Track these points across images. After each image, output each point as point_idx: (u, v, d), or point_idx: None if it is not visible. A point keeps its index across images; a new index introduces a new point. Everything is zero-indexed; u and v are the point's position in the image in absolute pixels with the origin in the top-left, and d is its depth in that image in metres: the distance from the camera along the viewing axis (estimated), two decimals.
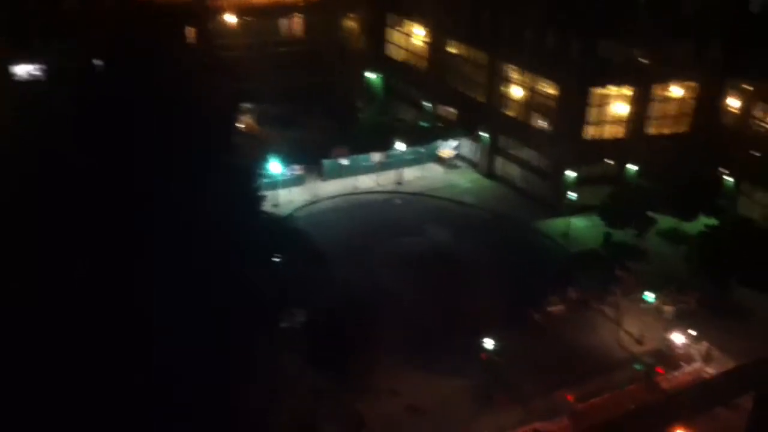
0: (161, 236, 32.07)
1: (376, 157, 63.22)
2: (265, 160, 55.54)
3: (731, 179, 57.89)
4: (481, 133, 65.19)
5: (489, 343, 40.51)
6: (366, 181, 62.41)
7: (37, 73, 48.63)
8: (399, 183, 62.84)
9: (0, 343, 28.01)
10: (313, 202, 59.12)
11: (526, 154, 62.31)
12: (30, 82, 51.33)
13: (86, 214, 31.12)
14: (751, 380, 38.79)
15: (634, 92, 58.85)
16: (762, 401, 34.93)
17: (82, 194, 31.58)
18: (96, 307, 29.59)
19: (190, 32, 65.40)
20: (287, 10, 71.47)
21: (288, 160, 58.20)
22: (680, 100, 61.07)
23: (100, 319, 29.32)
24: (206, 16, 66.74)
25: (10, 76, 56.93)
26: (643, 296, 47.28)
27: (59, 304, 28.91)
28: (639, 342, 45.05)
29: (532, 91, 61.03)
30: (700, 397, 39.96)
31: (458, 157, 67.24)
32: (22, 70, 55.75)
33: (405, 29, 73.35)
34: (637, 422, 37.67)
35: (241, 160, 43.71)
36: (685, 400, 39.15)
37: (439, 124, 68.94)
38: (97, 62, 43.90)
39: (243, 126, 65.98)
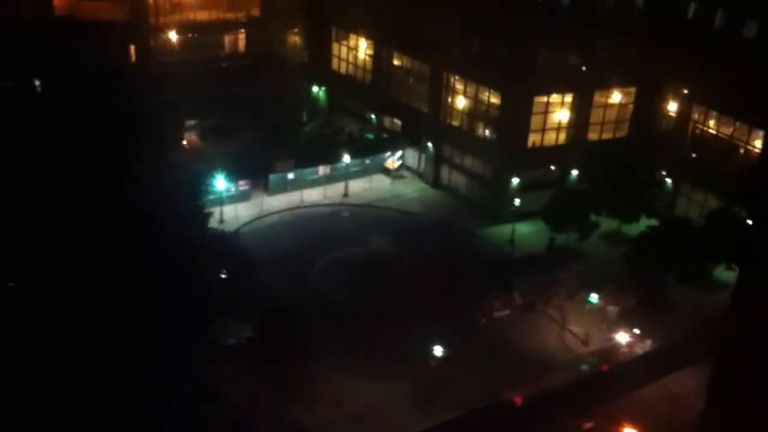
0: (103, 253, 31.75)
1: (321, 170, 63.24)
2: (209, 175, 55.12)
3: (670, 181, 59.09)
4: (426, 144, 65.67)
5: (438, 350, 40.71)
6: (312, 195, 62.28)
7: None
8: (346, 195, 62.92)
9: None
10: (259, 218, 58.75)
11: (471, 162, 62.85)
12: None
13: (22, 234, 30.76)
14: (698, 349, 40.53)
15: (576, 99, 59.89)
16: (722, 363, 35.31)
17: (18, 216, 31.20)
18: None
19: (131, 49, 65.00)
20: (230, 26, 71.46)
21: (233, 175, 57.89)
22: (620, 106, 62.32)
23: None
24: (147, 33, 66.41)
25: None
26: (588, 298, 47.99)
27: None
28: (584, 342, 45.64)
29: (475, 100, 61.67)
30: (643, 368, 42.08)
31: (404, 167, 67.58)
32: None
33: (349, 43, 73.74)
34: (579, 395, 38.74)
35: (185, 177, 43.46)
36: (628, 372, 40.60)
37: (385, 136, 69.24)
38: (35, 81, 43.58)
39: (186, 142, 65.72)
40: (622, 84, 61.46)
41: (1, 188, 31.64)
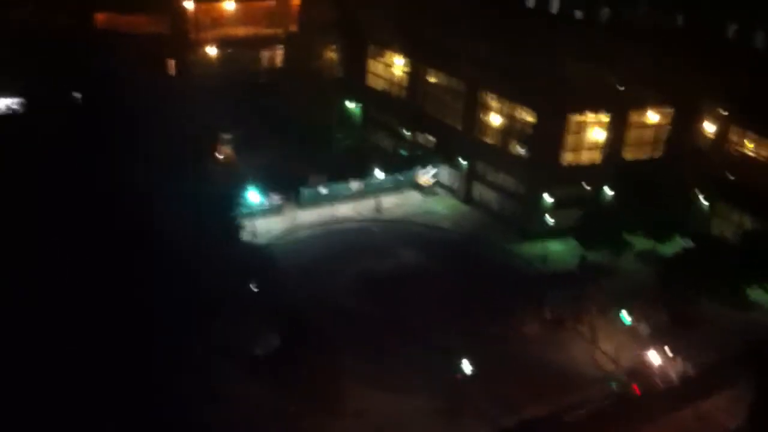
0: (138, 265, 32.29)
1: (354, 185, 63.57)
2: (243, 189, 55.68)
3: (706, 201, 58.44)
4: (459, 160, 65.75)
5: (466, 365, 40.55)
6: (344, 209, 62.57)
7: (16, 106, 48.94)
8: (378, 210, 63.13)
9: None
10: (291, 231, 59.17)
11: (503, 179, 62.75)
12: (8, 116, 51.71)
13: (63, 245, 31.33)
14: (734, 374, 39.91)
15: (611, 118, 59.60)
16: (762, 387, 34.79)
17: (60, 223, 31.83)
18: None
19: (170, 63, 66.03)
20: (268, 42, 72.27)
21: (266, 188, 58.40)
22: (657, 126, 61.85)
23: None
24: (187, 47, 67.45)
25: None
26: (620, 316, 47.51)
27: None
28: (614, 361, 45.16)
29: (509, 118, 61.65)
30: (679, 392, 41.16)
31: (437, 183, 67.66)
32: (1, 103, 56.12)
33: (385, 59, 74.26)
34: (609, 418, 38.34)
35: (219, 190, 44.01)
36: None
37: (418, 152, 69.44)
38: (76, 94, 44.38)
39: (221, 155, 66.40)
40: (658, 104, 61.09)
41: (41, 195, 32.33)
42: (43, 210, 32.00)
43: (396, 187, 65.49)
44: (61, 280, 30.84)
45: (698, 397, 41.68)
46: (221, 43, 68.77)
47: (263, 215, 58.77)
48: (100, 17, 62.30)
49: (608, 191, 59.83)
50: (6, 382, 28.04)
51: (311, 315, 42.41)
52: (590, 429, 39.37)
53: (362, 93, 76.23)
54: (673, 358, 44.15)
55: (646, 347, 44.52)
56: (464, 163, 65.32)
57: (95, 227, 32.06)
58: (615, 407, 41.01)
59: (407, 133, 71.13)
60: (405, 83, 71.91)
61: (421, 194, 66.40)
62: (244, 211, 52.47)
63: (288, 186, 61.40)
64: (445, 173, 67.64)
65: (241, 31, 70.58)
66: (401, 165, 66.92)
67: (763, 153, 55.73)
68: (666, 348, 44.31)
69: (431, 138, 69.24)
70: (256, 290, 42.33)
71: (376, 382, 41.25)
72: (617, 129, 59.86)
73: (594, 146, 59.81)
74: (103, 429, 29.22)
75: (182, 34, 66.18)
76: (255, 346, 40.93)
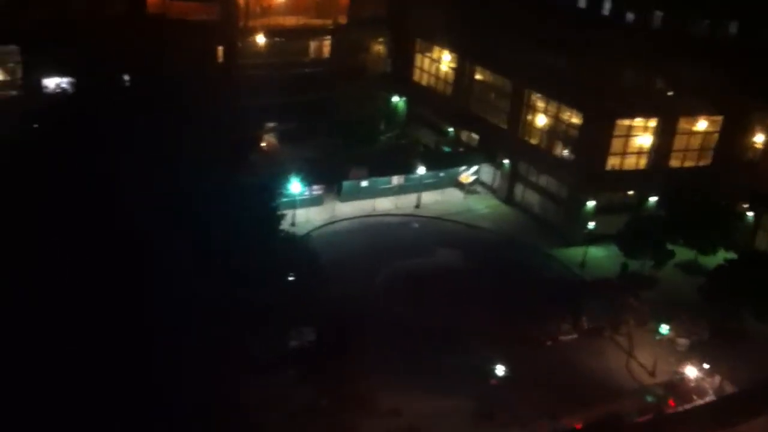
0: (181, 252, 32.48)
1: (395, 179, 63.43)
2: (284, 179, 55.88)
3: (752, 214, 57.38)
4: (502, 160, 65.30)
5: (500, 369, 40.31)
6: (384, 204, 62.51)
7: (66, 86, 49.57)
8: (417, 206, 62.97)
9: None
10: (330, 223, 59.24)
11: (546, 181, 62.21)
12: (59, 95, 52.41)
13: (109, 228, 31.61)
14: None
15: (659, 124, 58.75)
16: None
17: (107, 208, 32.10)
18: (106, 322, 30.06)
19: (219, 51, 66.33)
20: (316, 33, 72.25)
21: (307, 179, 58.55)
22: (705, 134, 60.84)
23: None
24: (236, 35, 67.69)
25: (41, 88, 58.02)
26: (658, 328, 46.89)
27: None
28: (651, 373, 44.61)
29: (555, 119, 61.07)
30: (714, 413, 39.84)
31: (478, 182, 67.29)
32: (52, 83, 56.88)
33: (432, 55, 73.95)
34: None
35: (262, 179, 44.16)
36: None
37: (461, 150, 69.13)
38: (125, 77, 44.77)
39: (265, 144, 66.73)
40: (708, 111, 60.05)
41: (87, 181, 32.57)
42: (89, 190, 32.25)
43: (437, 184, 65.15)
44: (110, 264, 31.27)
45: (737, 419, 40.71)
46: (270, 32, 68.83)
47: (303, 206, 58.99)
48: (153, 3, 62.70)
49: (653, 198, 59.05)
50: (19, 383, 28.39)
51: (347, 310, 42.36)
52: None
53: (408, 88, 76.02)
54: (712, 374, 43.50)
55: (684, 361, 43.92)
56: (507, 163, 64.87)
57: (141, 211, 32.27)
58: (651, 424, 40.25)
59: (451, 130, 70.84)
60: (451, 80, 71.57)
61: (461, 192, 66.12)
62: (285, 200, 52.77)
63: (329, 178, 61.49)
64: (487, 172, 67.26)
65: (289, 21, 70.60)
66: (443, 162, 66.61)
67: None
68: (704, 364, 43.65)
69: (475, 136, 68.86)
70: (291, 279, 42.37)
71: (410, 381, 41.14)
72: (665, 135, 58.99)
73: (640, 152, 59.04)
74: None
75: (232, 21, 66.36)
76: (289, 339, 41.11)
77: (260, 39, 68.25)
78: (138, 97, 40.07)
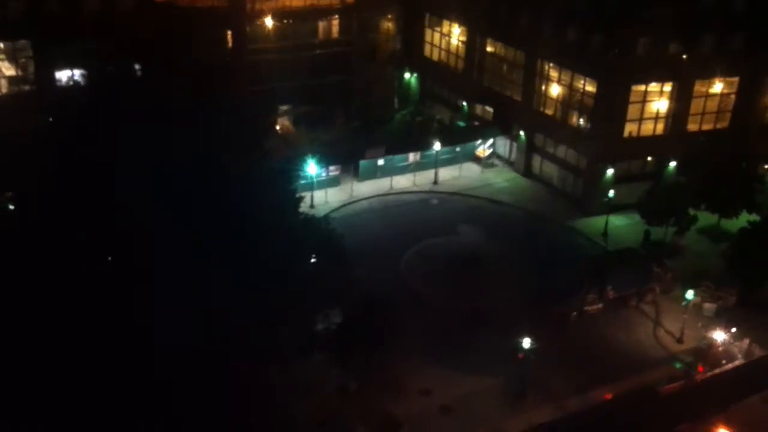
0: (203, 235, 32.44)
1: (411, 157, 63.19)
2: (301, 161, 55.78)
3: None
4: (517, 132, 64.84)
5: (526, 343, 40.18)
6: (402, 182, 62.39)
7: (78, 78, 49.48)
8: (435, 183, 62.75)
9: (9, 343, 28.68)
10: (348, 203, 59.17)
11: (564, 152, 61.74)
12: (71, 88, 52.34)
13: (128, 214, 31.61)
14: None
15: (675, 88, 58.09)
16: None
17: (124, 196, 32.06)
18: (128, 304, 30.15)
19: (228, 36, 65.94)
20: (324, 13, 71.66)
21: (324, 160, 58.39)
22: (722, 96, 60.17)
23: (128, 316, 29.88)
24: (244, 19, 67.26)
25: (54, 81, 57.95)
26: (684, 294, 46.56)
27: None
28: (679, 340, 44.45)
29: (570, 89, 60.49)
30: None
31: (495, 156, 66.95)
32: (64, 75, 56.83)
33: (443, 29, 73.32)
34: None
35: (279, 162, 44.00)
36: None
37: (476, 124, 68.69)
38: (137, 66, 44.57)
39: (279, 127, 66.50)
40: (724, 74, 59.32)
41: (93, 170, 32.48)
42: (103, 182, 32.21)
43: (453, 160, 64.89)
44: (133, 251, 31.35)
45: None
46: (277, 15, 68.34)
47: (321, 187, 58.89)
48: None
49: (673, 164, 58.54)
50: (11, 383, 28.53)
51: (373, 292, 42.25)
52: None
53: (419, 64, 75.58)
54: (740, 338, 43.26)
55: (712, 327, 43.67)
56: (523, 135, 64.42)
57: (158, 200, 32.22)
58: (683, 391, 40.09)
59: (464, 105, 70.37)
60: (462, 54, 70.97)
61: (479, 166, 65.78)
62: (303, 183, 52.69)
63: (346, 158, 61.33)
64: (503, 145, 66.87)
65: (297, 2, 70.01)
66: (459, 137, 66.23)
67: None
68: (732, 328, 43.38)
69: (489, 109, 68.35)
70: (313, 261, 42.29)
71: (440, 361, 41.29)
72: (681, 99, 58.40)
73: (657, 117, 58.50)
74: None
75: (240, 5, 65.91)
76: (316, 322, 41.08)
77: (269, 22, 67.79)
78: (150, 86, 39.90)
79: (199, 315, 30.80)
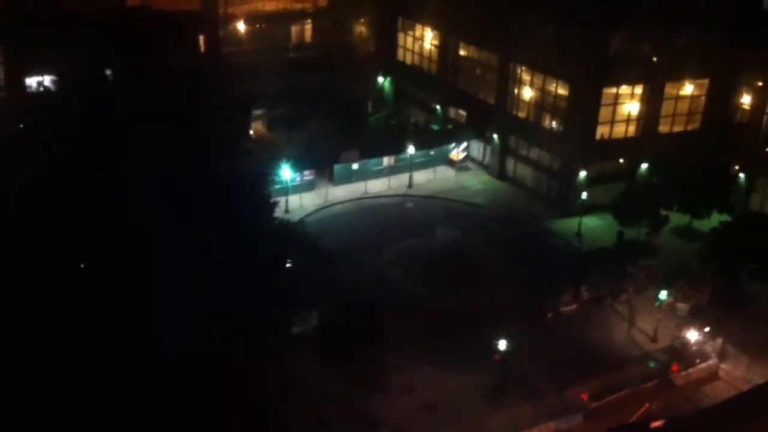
0: (174, 242, 32.24)
1: (386, 160, 63.26)
2: (276, 165, 55.64)
3: (744, 175, 57.54)
4: (491, 135, 65.17)
5: (502, 344, 40.38)
6: (377, 185, 62.40)
7: (48, 84, 49.03)
8: (410, 186, 62.87)
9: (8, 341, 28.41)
10: (324, 207, 59.12)
11: (537, 154, 62.18)
12: (41, 94, 51.86)
13: (97, 221, 31.37)
14: None
15: (646, 90, 58.69)
16: None
17: (94, 202, 31.81)
18: (104, 311, 29.90)
19: (201, 40, 65.76)
20: (298, 17, 71.77)
21: (298, 165, 58.29)
22: (693, 98, 60.87)
23: (108, 323, 29.63)
24: (217, 23, 67.15)
25: (23, 87, 57.38)
26: (658, 294, 47.02)
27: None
28: (653, 339, 44.86)
29: (542, 91, 60.93)
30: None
31: (469, 159, 67.22)
32: (34, 81, 56.25)
33: (416, 33, 73.52)
34: None
35: (253, 166, 43.86)
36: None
37: (450, 127, 68.96)
38: (108, 72, 44.28)
39: (253, 131, 66.36)
40: (694, 75, 60.05)
41: (71, 172, 32.24)
42: (71, 188, 31.95)
43: (428, 163, 65.07)
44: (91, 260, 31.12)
45: None
46: (250, 19, 68.35)
47: (296, 191, 58.78)
48: None
49: (645, 165, 59.14)
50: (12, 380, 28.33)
51: (350, 294, 42.28)
52: None
53: (393, 67, 75.69)
54: (713, 337, 43.76)
55: (685, 326, 44.14)
56: (497, 138, 64.75)
57: (123, 208, 32.00)
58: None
59: (439, 108, 70.62)
60: (436, 57, 71.23)
61: (453, 169, 66.01)
62: (277, 187, 52.58)
63: (321, 162, 61.27)
64: (478, 148, 67.16)
65: (269, 6, 70.11)
66: (433, 140, 66.44)
67: None
68: (705, 327, 43.87)
69: (463, 112, 68.68)
70: (289, 266, 42.22)
71: (421, 359, 41.49)
72: (652, 101, 58.99)
73: (629, 119, 59.06)
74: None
75: (212, 10, 65.84)
76: (293, 325, 40.99)
77: (241, 26, 67.77)
78: (122, 91, 39.61)
79: (177, 316, 30.64)
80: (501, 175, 64.92)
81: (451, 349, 42.26)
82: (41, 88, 52.09)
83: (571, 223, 56.81)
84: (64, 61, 45.68)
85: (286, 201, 56.44)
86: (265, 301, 36.09)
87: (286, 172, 56.65)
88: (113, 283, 30.82)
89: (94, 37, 50.51)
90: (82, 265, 32.31)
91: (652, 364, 42.82)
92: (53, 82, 44.40)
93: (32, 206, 31.47)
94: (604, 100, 57.78)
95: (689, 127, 61.05)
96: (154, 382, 29.69)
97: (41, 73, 53.67)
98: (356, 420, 37.53)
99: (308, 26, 72.42)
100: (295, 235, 44.83)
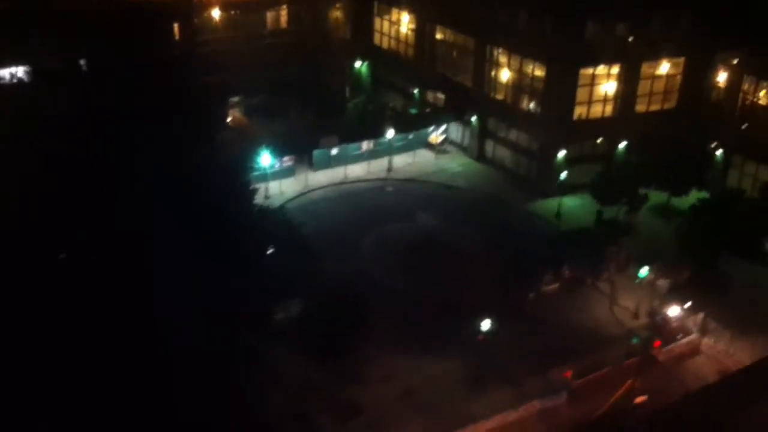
0: (148, 233, 31.99)
1: (365, 145, 63.11)
2: (254, 152, 55.35)
3: (721, 153, 57.96)
4: (470, 118, 65.18)
5: (485, 325, 40.46)
6: (356, 170, 62.27)
7: (21, 75, 48.37)
8: (389, 170, 62.81)
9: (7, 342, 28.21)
10: (304, 193, 58.88)
11: (516, 136, 62.30)
12: (13, 85, 51.18)
13: (74, 212, 31.06)
14: None
15: (623, 70, 58.85)
16: None
17: (69, 193, 31.49)
18: (86, 303, 29.66)
19: (175, 28, 65.05)
20: (271, 3, 71.14)
21: (277, 151, 58.01)
22: (669, 77, 61.12)
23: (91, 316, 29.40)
24: (191, 11, 66.40)
25: None
26: (638, 272, 47.35)
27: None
28: (635, 316, 45.20)
29: (519, 73, 60.97)
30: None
31: (448, 142, 67.21)
32: (5, 72, 55.44)
33: (391, 17, 73.28)
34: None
35: (231, 154, 43.59)
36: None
37: (428, 110, 68.89)
38: (81, 62, 43.79)
39: (231, 119, 65.94)
40: (670, 54, 60.25)
41: (47, 168, 31.89)
42: (46, 183, 31.63)
43: (407, 147, 64.94)
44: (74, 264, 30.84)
45: None
46: (225, 6, 67.68)
47: (276, 178, 58.56)
48: None
49: (623, 145, 59.40)
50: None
51: (331, 281, 42.22)
52: None
53: (370, 52, 75.41)
54: (693, 313, 44.15)
55: (666, 303, 44.48)
56: (475, 120, 64.77)
57: (100, 202, 31.72)
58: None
59: (416, 92, 70.50)
60: (412, 41, 71.04)
61: (432, 153, 65.99)
62: (257, 173, 52.33)
63: (299, 148, 61.03)
64: (456, 131, 67.17)
65: None
66: (411, 124, 66.34)
67: None
68: (686, 303, 44.25)
69: (441, 96, 68.62)
70: (270, 252, 42.07)
71: (400, 346, 41.27)
72: (629, 81, 59.15)
73: (606, 100, 59.20)
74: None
75: None
76: (275, 312, 40.87)
77: (216, 13, 67.10)
78: (95, 81, 39.20)
79: (154, 309, 30.44)
80: (480, 157, 64.97)
81: (431, 335, 42.17)
82: (14, 80, 51.49)
83: (550, 204, 56.97)
84: (35, 53, 45.18)
85: (266, 187, 56.24)
86: (245, 291, 35.97)
87: (265, 159, 56.38)
88: (89, 278, 30.51)
89: (65, 28, 50.00)
90: (58, 259, 31.99)
91: (634, 341, 43.11)
92: (26, 73, 43.88)
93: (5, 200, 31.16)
94: (580, 81, 57.76)
95: (666, 106, 61.30)
96: (132, 379, 29.49)
97: (15, 64, 53.09)
98: (336, 410, 37.46)
99: (283, 12, 71.78)
100: (275, 221, 44.73)
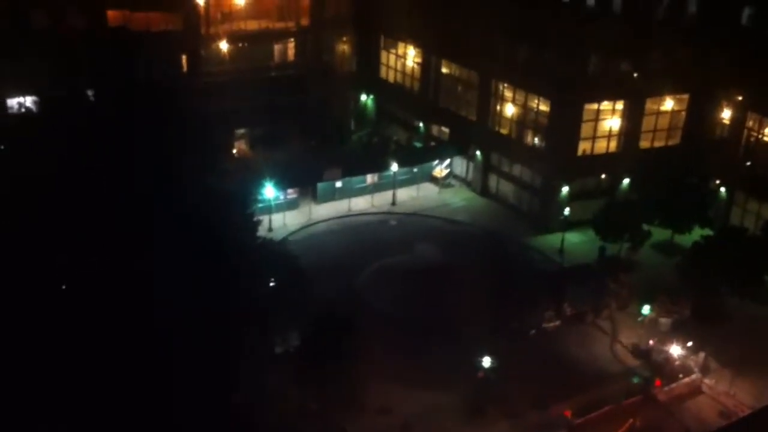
0: (151, 263, 32.11)
1: (369, 178, 63.34)
2: (258, 184, 55.58)
3: (724, 190, 57.92)
4: (474, 152, 65.39)
5: (486, 361, 40.33)
6: (360, 203, 62.47)
7: (29, 105, 48.84)
8: (393, 204, 62.94)
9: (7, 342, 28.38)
10: (307, 226, 59.08)
11: (519, 171, 62.41)
12: (22, 115, 51.67)
13: (75, 239, 31.25)
14: None
15: (627, 106, 59.09)
16: None
17: (75, 223, 31.69)
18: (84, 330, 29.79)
19: (183, 59, 65.75)
20: (279, 36, 71.83)
21: (281, 183, 58.26)
22: (673, 113, 61.35)
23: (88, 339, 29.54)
24: (199, 43, 67.12)
25: (4, 108, 57.07)
26: (640, 309, 47.18)
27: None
28: (635, 355, 44.91)
29: (524, 108, 61.23)
30: None
31: (452, 176, 67.39)
32: (13, 102, 56.01)
33: (397, 51, 73.85)
34: None
35: (235, 186, 43.80)
36: None
37: (432, 144, 69.16)
38: (89, 92, 44.24)
39: (236, 151, 66.34)
40: (674, 91, 60.52)
41: (50, 193, 32.15)
42: (53, 210, 31.87)
43: (411, 180, 65.19)
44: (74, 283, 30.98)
45: None
46: (233, 38, 68.38)
47: (279, 210, 58.72)
48: (113, 15, 61.96)
49: (626, 181, 59.47)
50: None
51: (330, 312, 42.10)
52: None
53: (375, 85, 75.93)
54: (695, 352, 43.86)
55: (668, 341, 44.23)
56: (479, 154, 64.98)
57: (106, 229, 31.90)
58: None
59: (421, 126, 70.83)
60: (417, 75, 71.51)
61: (436, 187, 66.15)
62: (260, 206, 52.51)
63: (303, 181, 61.26)
64: (460, 165, 67.37)
65: (252, 26, 70.09)
66: (416, 157, 66.58)
67: None
68: (688, 342, 43.98)
69: (445, 130, 68.92)
70: (272, 285, 42.13)
71: (400, 378, 41.21)
72: (633, 117, 59.40)
73: (610, 135, 59.38)
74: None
75: (194, 29, 65.79)
76: (274, 345, 40.85)
77: (224, 45, 67.76)
78: (103, 110, 39.56)
79: (156, 340, 30.51)
80: (484, 191, 65.10)
81: (431, 367, 42.10)
82: (22, 109, 51.94)
83: (553, 240, 56.98)
84: (43, 82, 45.60)
85: (270, 220, 56.42)
86: (245, 323, 36.00)
87: (269, 191, 56.59)
88: (92, 302, 30.64)
89: (74, 58, 50.56)
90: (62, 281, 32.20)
91: (635, 380, 42.85)
92: (34, 102, 44.29)
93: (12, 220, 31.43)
94: (585, 116, 58.08)
95: (670, 142, 61.52)
96: (136, 395, 29.55)
97: (22, 94, 53.64)
98: None
99: (291, 45, 72.45)
100: (276, 253, 44.80)
